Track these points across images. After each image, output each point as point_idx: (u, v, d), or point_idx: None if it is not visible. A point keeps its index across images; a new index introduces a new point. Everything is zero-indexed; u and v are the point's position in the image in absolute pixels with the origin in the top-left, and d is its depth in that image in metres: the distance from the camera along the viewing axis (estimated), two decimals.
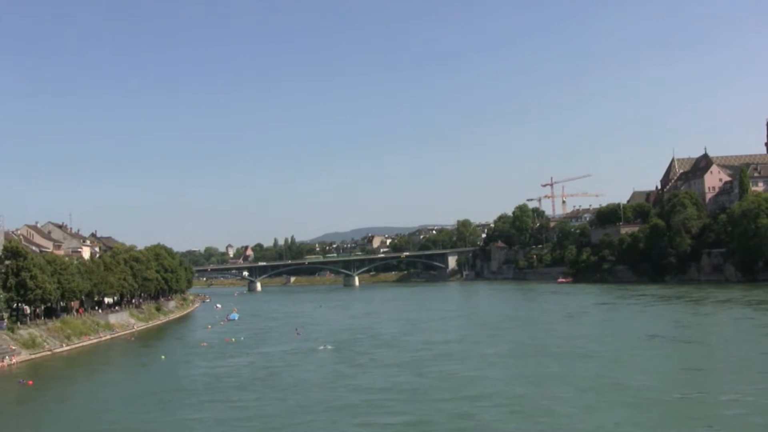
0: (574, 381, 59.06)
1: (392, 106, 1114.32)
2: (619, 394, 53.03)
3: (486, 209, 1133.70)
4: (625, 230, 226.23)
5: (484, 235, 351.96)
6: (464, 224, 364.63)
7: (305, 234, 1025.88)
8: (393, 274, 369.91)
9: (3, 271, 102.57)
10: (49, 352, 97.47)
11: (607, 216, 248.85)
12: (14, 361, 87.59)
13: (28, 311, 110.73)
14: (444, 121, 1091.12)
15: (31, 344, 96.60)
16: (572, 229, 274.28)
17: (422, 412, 49.67)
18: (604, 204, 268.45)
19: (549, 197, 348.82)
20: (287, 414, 51.11)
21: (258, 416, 50.97)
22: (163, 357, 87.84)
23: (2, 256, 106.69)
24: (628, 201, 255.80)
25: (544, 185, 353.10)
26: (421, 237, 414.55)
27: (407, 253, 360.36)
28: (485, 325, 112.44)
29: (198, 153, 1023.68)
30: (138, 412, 54.19)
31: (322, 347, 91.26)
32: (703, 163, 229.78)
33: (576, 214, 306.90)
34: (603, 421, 45.19)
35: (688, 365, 65.31)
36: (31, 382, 71.53)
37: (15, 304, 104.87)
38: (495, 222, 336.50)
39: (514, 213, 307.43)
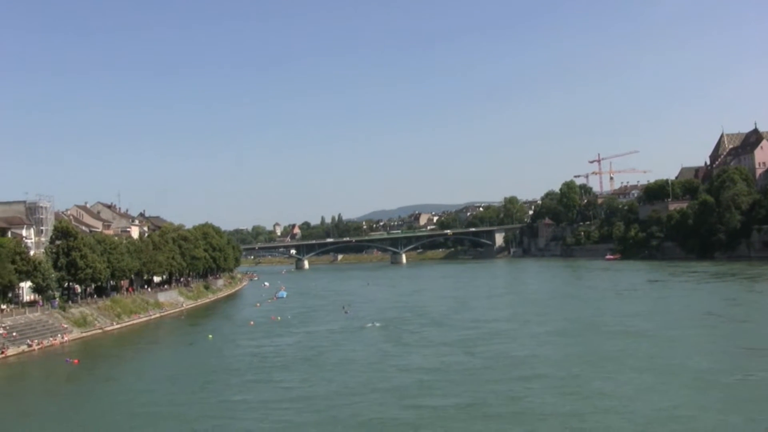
0: (629, 361, 56.95)
1: (440, 83, 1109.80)
2: (677, 375, 50.76)
3: (533, 186, 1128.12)
4: (674, 207, 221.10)
5: (531, 212, 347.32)
6: (511, 201, 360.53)
7: (352, 212, 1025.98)
8: (440, 252, 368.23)
9: (54, 251, 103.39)
10: (99, 331, 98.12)
11: (656, 192, 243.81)
12: (66, 339, 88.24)
13: (79, 290, 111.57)
14: (492, 96, 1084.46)
15: (82, 322, 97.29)
16: (620, 206, 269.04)
17: (473, 394, 47.92)
18: (652, 180, 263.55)
19: (596, 174, 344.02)
20: (333, 395, 49.70)
21: (302, 397, 49.64)
22: (210, 336, 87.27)
23: (53, 237, 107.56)
24: (677, 177, 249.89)
25: (592, 162, 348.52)
26: (468, 214, 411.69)
27: (454, 231, 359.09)
28: (535, 302, 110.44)
29: (245, 132, 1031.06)
30: (181, 392, 53.50)
31: (369, 324, 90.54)
32: (753, 138, 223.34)
33: (624, 191, 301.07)
34: (661, 404, 43.06)
35: (747, 345, 62.10)
36: (77, 361, 71.56)
37: (66, 284, 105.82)
38: (542, 199, 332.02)
39: (561, 190, 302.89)
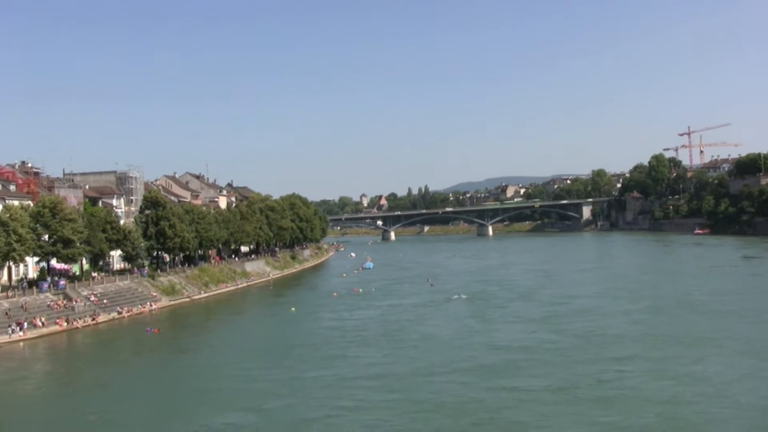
0: (728, 343, 53.29)
1: (527, 56, 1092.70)
2: None
3: (621, 159, 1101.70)
4: (767, 181, 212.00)
5: (619, 185, 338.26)
6: (599, 174, 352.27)
7: (439, 183, 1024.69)
8: (526, 224, 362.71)
9: (143, 220, 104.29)
10: (187, 299, 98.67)
11: (747, 166, 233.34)
12: (155, 307, 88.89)
13: (168, 259, 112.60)
14: (581, 66, 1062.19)
15: (170, 291, 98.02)
16: (710, 180, 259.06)
17: (562, 375, 44.91)
18: (743, 154, 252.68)
19: (686, 147, 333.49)
20: (412, 374, 47.13)
21: (380, 376, 47.30)
22: (293, 309, 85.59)
23: (142, 206, 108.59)
24: None
25: (681, 134, 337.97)
26: (555, 187, 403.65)
27: (541, 203, 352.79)
28: (624, 277, 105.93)
29: (332, 103, 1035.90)
30: (255, 368, 51.64)
31: (455, 296, 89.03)
32: None
33: (714, 165, 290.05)
34: (763, 391, 39.87)
35: None
36: (157, 330, 71.52)
37: (155, 252, 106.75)
38: (630, 172, 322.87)
39: (650, 163, 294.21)
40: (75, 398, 46.40)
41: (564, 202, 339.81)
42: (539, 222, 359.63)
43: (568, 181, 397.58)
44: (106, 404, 43.53)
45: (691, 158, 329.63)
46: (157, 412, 40.58)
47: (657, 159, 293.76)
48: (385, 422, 36.79)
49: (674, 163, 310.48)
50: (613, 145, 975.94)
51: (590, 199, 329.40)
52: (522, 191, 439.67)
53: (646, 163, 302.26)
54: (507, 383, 43.75)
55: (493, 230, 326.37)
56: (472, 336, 61.35)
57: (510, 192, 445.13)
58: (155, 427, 37.26)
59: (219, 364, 54.14)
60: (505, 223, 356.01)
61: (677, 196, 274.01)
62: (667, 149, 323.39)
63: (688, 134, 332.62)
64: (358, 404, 40.39)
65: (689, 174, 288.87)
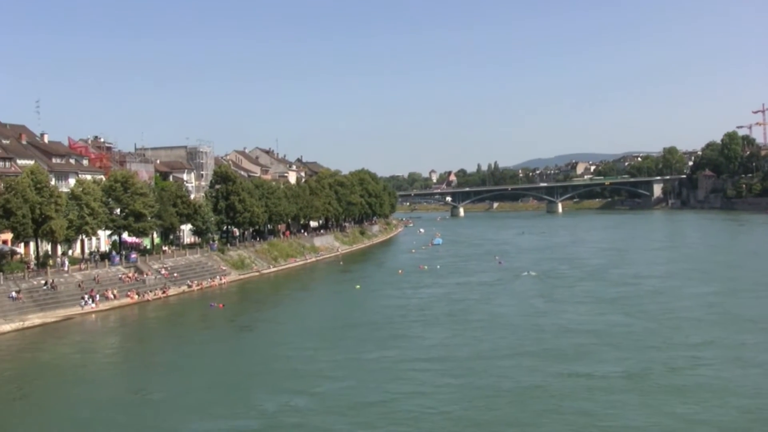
0: None
1: (600, 33, 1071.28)
2: None
3: (693, 136, 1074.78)
4: None
5: (690, 163, 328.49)
6: (670, 151, 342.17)
7: (508, 160, 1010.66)
8: (596, 202, 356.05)
9: (213, 194, 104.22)
10: (257, 273, 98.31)
11: None
12: (224, 280, 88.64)
13: (237, 233, 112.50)
14: (652, 46, 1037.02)
15: (240, 265, 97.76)
16: None
17: (633, 361, 42.12)
18: None
19: (761, 125, 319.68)
20: (476, 357, 44.76)
21: (443, 358, 45.05)
22: (357, 287, 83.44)
23: (213, 181, 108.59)
24: None
25: (756, 112, 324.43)
26: (626, 164, 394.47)
27: (611, 180, 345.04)
28: (698, 258, 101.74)
29: (402, 80, 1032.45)
30: (313, 348, 49.71)
31: (525, 273, 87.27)
32: None
33: None
34: None
35: None
36: (222, 306, 70.67)
37: (225, 227, 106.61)
38: (702, 150, 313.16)
39: (722, 141, 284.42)
40: (132, 374, 45.87)
41: (634, 179, 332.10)
42: (609, 199, 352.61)
43: (639, 159, 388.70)
44: (160, 382, 42.54)
45: (765, 136, 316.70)
46: (211, 393, 39.09)
47: (730, 137, 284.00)
48: (444, 409, 34.51)
49: (748, 141, 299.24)
50: (685, 123, 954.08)
51: (661, 177, 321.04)
52: (592, 168, 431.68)
53: (718, 140, 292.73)
54: (575, 369, 41.06)
55: (563, 207, 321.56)
56: (540, 317, 58.73)
57: (580, 169, 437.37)
58: (207, 410, 35.72)
59: (278, 343, 52.52)
60: (575, 200, 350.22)
61: (750, 175, 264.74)
62: (741, 127, 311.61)
63: (763, 111, 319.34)
64: (417, 389, 38.18)
65: (763, 152, 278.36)
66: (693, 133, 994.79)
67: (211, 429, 33.20)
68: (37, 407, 38.19)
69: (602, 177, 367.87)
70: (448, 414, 33.89)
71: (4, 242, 74.92)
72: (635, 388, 37.08)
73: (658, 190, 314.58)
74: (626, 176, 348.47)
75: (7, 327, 58.50)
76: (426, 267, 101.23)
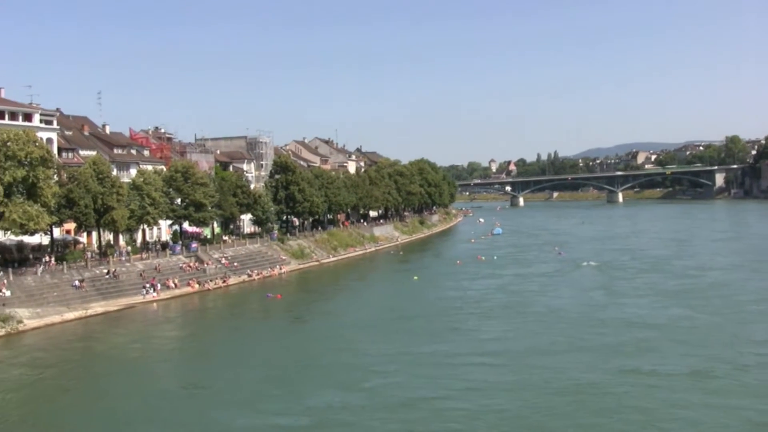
0: None
1: (659, 21, 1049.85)
2: None
3: (756, 125, 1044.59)
4: None
5: (754, 152, 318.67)
6: (733, 140, 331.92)
7: (568, 149, 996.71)
8: (657, 191, 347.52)
9: (273, 184, 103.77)
10: (316, 263, 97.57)
11: None
12: (284, 270, 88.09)
13: (297, 223, 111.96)
14: (715, 33, 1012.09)
15: (299, 254, 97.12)
16: None
17: (697, 358, 39.94)
18: None
19: None
20: (533, 352, 42.87)
21: (498, 353, 43.16)
22: (415, 278, 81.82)
23: (272, 171, 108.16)
24: None
25: None
26: (687, 153, 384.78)
27: (672, 170, 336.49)
28: (763, 249, 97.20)
29: (462, 69, 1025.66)
30: (367, 340, 48.16)
31: (585, 263, 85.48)
32: None
33: None
34: None
35: None
36: (279, 296, 69.56)
37: (284, 216, 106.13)
38: (766, 138, 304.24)
39: None
40: (184, 366, 45.42)
41: (696, 169, 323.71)
42: (670, 189, 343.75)
43: (701, 148, 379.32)
44: (210, 374, 41.57)
45: None
46: (259, 387, 37.87)
47: None
48: (498, 408, 32.79)
49: None
50: (748, 111, 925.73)
51: (723, 166, 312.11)
52: (653, 158, 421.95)
53: None
54: (635, 365, 39.00)
55: (623, 197, 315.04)
56: (599, 310, 56.47)
57: (641, 158, 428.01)
58: (254, 406, 34.54)
59: (331, 335, 51.07)
60: (636, 189, 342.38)
61: None
62: None
63: None
64: (470, 385, 36.44)
65: None
66: (756, 121, 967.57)
67: (256, 426, 31.99)
68: (84, 397, 37.70)
69: (663, 166, 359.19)
70: (502, 413, 32.21)
71: (67, 232, 75.50)
72: (700, 387, 34.99)
73: (720, 179, 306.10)
74: (688, 165, 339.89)
75: (70, 315, 58.66)
76: (483, 258, 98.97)
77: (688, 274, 75.79)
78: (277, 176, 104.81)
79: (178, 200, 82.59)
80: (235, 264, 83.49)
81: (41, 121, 77.91)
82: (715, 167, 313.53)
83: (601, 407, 32.37)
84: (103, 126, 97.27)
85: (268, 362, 43.78)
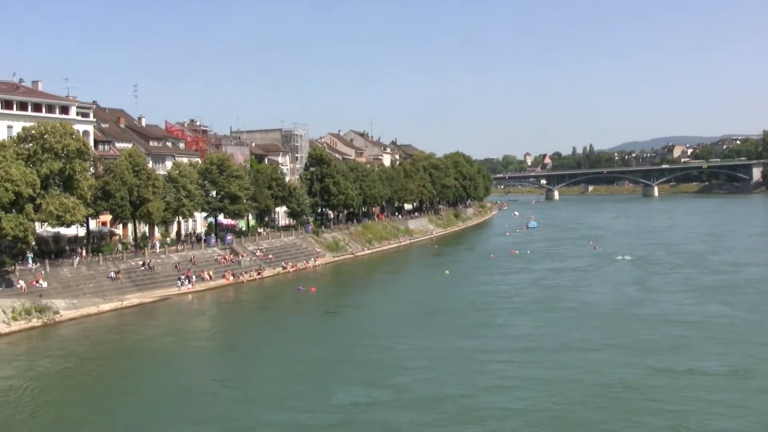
0: None
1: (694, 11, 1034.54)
2: None
3: None
4: None
5: None
6: None
7: (604, 143, 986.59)
8: (693, 185, 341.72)
9: (308, 177, 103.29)
10: (351, 255, 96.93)
11: None
12: (318, 262, 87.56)
13: (332, 216, 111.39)
14: (749, 25, 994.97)
15: (334, 247, 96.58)
16: None
17: (735, 358, 38.65)
18: None
19: None
20: (565, 349, 41.71)
21: (529, 349, 42.03)
22: (447, 272, 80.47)
23: (307, 163, 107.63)
24: None
25: None
26: (724, 147, 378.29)
27: (709, 164, 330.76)
28: None
29: (498, 62, 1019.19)
30: (397, 335, 47.06)
31: (620, 257, 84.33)
32: None
33: None
34: None
35: None
36: (313, 289, 68.80)
37: (319, 209, 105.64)
38: None
39: None
40: (214, 360, 45.12)
41: (733, 163, 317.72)
42: (707, 183, 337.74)
43: (738, 142, 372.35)
44: (239, 369, 40.90)
45: None
46: (287, 383, 37.04)
47: None
48: (528, 406, 31.69)
49: None
50: None
51: (761, 160, 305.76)
52: (689, 151, 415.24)
53: None
54: (671, 364, 37.67)
55: (659, 191, 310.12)
56: (634, 306, 55.02)
57: (677, 152, 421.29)
58: (279, 402, 33.76)
59: (362, 330, 50.14)
60: (672, 183, 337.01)
61: None
62: None
63: None
64: (499, 382, 35.44)
65: None
66: None
67: (280, 422, 31.10)
68: (114, 389, 37.25)
69: (700, 160, 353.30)
70: (532, 412, 31.08)
71: (104, 224, 75.55)
72: (737, 387, 33.83)
73: (757, 173, 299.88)
74: (726, 159, 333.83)
75: (106, 306, 58.66)
76: (517, 252, 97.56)
77: (724, 269, 74.05)
78: (312, 169, 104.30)
79: (213, 192, 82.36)
80: (270, 256, 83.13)
81: (78, 114, 78.04)
82: (752, 161, 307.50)
83: (635, 408, 31.19)
84: (139, 118, 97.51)
85: (298, 357, 43.04)
